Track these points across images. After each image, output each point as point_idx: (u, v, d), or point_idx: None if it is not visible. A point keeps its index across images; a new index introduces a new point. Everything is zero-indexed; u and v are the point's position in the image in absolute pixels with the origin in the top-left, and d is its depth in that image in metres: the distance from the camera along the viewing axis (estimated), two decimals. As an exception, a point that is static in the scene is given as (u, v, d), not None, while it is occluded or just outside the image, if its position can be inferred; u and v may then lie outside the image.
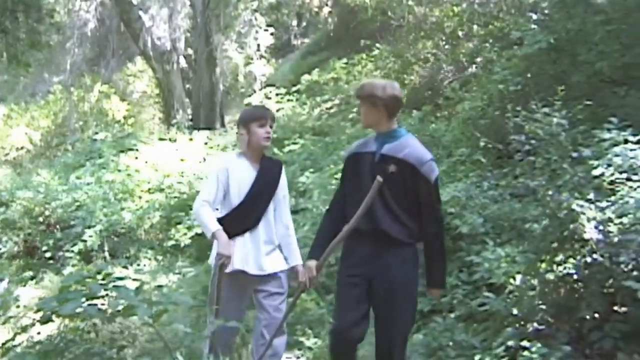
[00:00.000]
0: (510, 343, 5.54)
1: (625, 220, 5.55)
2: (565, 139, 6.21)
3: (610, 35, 8.56)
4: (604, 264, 5.36)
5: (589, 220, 5.48)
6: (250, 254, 5.09)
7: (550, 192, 5.90)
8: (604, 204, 5.68)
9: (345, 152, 5.03)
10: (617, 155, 6.05)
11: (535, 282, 5.84)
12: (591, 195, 5.79)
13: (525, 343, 5.36)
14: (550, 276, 5.75)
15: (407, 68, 14.67)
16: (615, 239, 5.39)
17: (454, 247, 7.25)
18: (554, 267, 5.76)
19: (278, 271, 5.19)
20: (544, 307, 5.68)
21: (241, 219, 5.10)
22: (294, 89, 18.90)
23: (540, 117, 6.42)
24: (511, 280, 5.97)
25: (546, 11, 10.66)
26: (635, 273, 5.19)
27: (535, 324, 5.64)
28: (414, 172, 4.57)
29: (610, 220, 5.55)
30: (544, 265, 5.85)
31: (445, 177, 8.45)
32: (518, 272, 5.98)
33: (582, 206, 5.53)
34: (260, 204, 5.14)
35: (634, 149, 6.18)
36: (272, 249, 5.19)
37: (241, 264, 5.06)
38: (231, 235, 4.97)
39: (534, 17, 10.72)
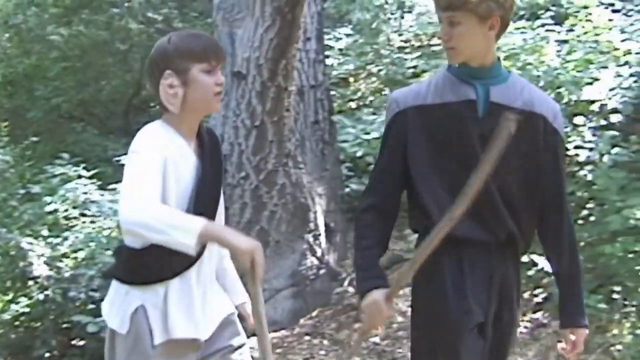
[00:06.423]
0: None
1: (80, 255, 5.70)
2: (13, 175, 6.17)
3: (66, 72, 8.80)
4: (57, 300, 5.40)
5: (39, 257, 5.48)
6: (198, 305, 2.62)
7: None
8: (57, 240, 5.76)
9: (394, 104, 2.64)
10: (69, 191, 6.19)
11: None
12: (45, 232, 5.83)
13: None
14: (6, 316, 5.65)
15: None
16: (67, 274, 5.48)
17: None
18: (9, 306, 5.67)
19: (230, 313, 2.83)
20: (-2, 348, 5.55)
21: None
22: None
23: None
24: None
25: (8, 44, 10.51)
26: (91, 306, 5.30)
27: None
28: (547, 130, 2.62)
29: (65, 255, 5.67)
30: (-1, 306, 5.73)
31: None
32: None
33: (31, 244, 5.53)
34: (208, 216, 2.54)
35: (87, 184, 6.39)
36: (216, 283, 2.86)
37: (191, 328, 2.60)
38: (166, 277, 2.56)
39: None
